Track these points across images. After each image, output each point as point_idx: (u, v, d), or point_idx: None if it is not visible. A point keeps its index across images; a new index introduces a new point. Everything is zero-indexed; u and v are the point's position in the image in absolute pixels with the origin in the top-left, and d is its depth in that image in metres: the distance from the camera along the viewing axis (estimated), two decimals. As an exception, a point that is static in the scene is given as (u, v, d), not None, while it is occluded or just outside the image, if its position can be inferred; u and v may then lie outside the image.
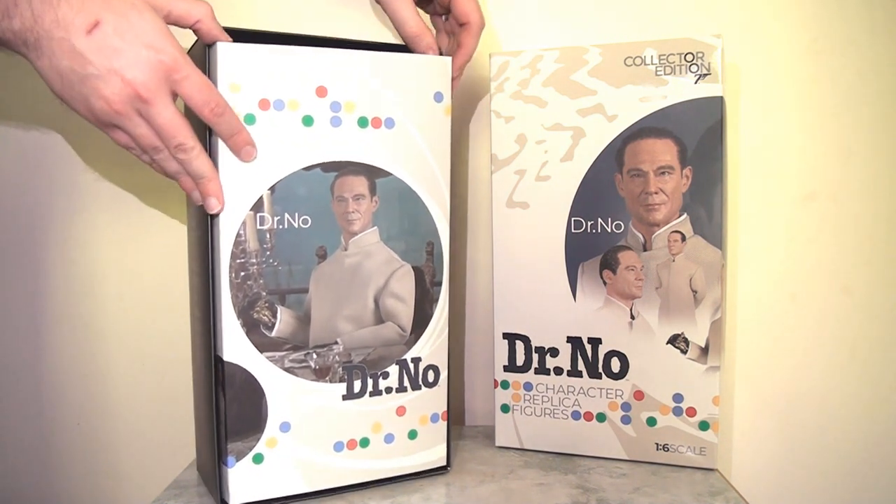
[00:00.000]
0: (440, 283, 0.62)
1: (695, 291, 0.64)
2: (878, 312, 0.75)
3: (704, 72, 0.62)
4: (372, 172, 0.58)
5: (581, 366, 0.67)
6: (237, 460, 0.56)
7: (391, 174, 0.59)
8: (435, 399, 0.63)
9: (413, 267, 0.61)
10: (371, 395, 0.60)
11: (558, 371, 0.68)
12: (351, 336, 0.59)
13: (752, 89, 0.74)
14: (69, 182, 0.76)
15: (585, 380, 0.67)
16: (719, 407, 0.64)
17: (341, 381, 0.59)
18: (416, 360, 0.62)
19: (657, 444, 0.66)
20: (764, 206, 0.75)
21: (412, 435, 0.62)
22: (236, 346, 0.55)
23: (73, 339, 0.77)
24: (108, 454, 0.79)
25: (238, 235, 0.55)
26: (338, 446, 0.59)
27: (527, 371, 0.69)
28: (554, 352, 0.68)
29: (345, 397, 0.59)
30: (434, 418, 0.63)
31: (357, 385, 0.59)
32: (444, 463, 0.64)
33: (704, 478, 0.63)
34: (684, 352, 0.64)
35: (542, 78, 0.66)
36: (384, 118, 0.58)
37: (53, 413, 0.78)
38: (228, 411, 0.55)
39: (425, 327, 0.62)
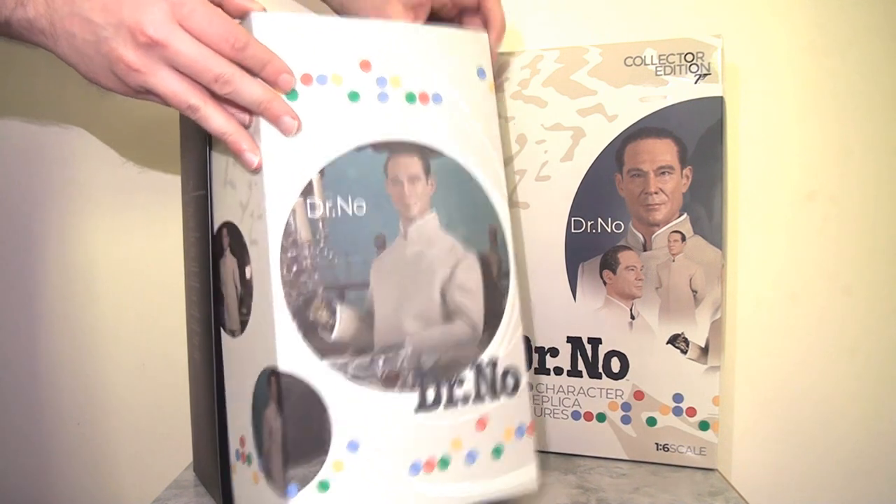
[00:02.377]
0: (507, 274, 0.56)
1: (695, 291, 0.64)
2: (878, 312, 0.75)
3: (704, 72, 0.62)
4: (424, 152, 0.53)
5: (581, 366, 0.67)
6: (300, 489, 0.48)
7: (444, 154, 0.54)
8: (518, 409, 0.55)
9: (478, 256, 0.55)
10: (447, 405, 0.52)
11: (558, 371, 0.68)
12: (420, 336, 0.52)
13: (752, 89, 0.74)
14: (66, 182, 0.76)
15: (585, 380, 0.67)
16: (719, 407, 0.64)
17: (412, 389, 0.51)
18: (493, 363, 0.54)
19: (657, 444, 0.66)
20: (764, 206, 0.75)
21: (497, 452, 0.54)
22: (293, 354, 0.48)
23: (71, 339, 0.77)
24: (107, 454, 0.79)
25: (288, 225, 0.48)
26: (414, 468, 0.51)
27: (527, 371, 0.69)
28: (554, 352, 0.68)
29: (417, 409, 0.51)
30: (520, 432, 0.55)
31: (430, 394, 0.52)
32: (534, 486, 0.55)
33: (704, 478, 0.63)
34: (684, 352, 0.64)
35: (542, 78, 0.66)
36: (431, 94, 0.54)
37: (52, 413, 0.78)
38: (287, 432, 0.48)
39: (498, 324, 0.55)
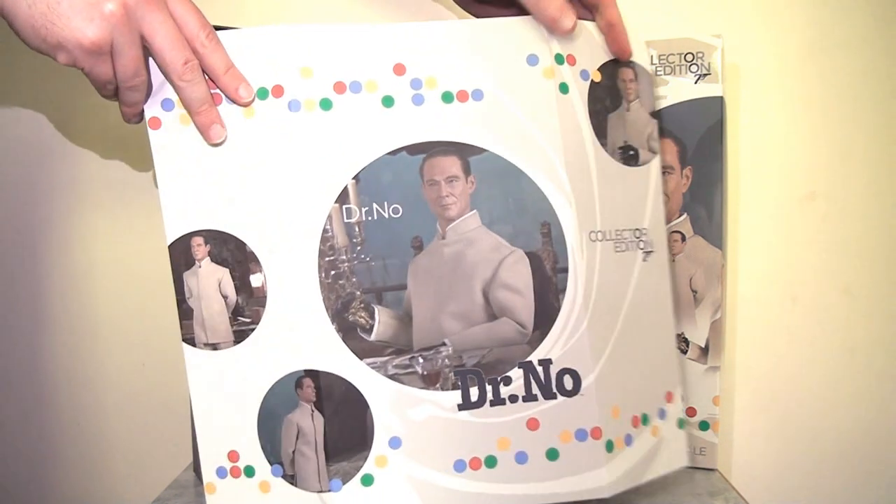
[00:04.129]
0: (566, 270, 0.53)
1: (695, 291, 0.64)
2: (878, 312, 0.75)
3: (704, 72, 0.62)
4: (464, 151, 0.52)
5: (581, 366, 0.67)
6: (343, 483, 0.50)
7: (486, 150, 0.52)
8: (579, 411, 0.52)
9: (527, 252, 0.53)
10: (492, 404, 0.52)
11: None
12: (460, 336, 0.52)
13: (752, 89, 0.74)
14: (67, 181, 0.76)
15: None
16: (719, 407, 0.64)
17: (454, 388, 0.52)
18: (546, 363, 0.52)
19: (657, 444, 0.66)
20: (764, 206, 0.75)
21: (552, 455, 0.52)
22: (333, 355, 0.50)
23: (72, 338, 0.77)
24: (107, 454, 0.79)
25: (324, 231, 0.50)
26: (459, 465, 0.51)
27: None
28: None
29: (461, 407, 0.52)
30: (580, 435, 0.52)
31: (474, 393, 0.52)
32: (605, 494, 0.52)
33: (704, 478, 0.63)
34: (684, 352, 0.64)
35: (542, 78, 0.66)
36: (470, 90, 0.52)
37: (53, 413, 0.78)
38: (329, 429, 0.50)
39: (552, 323, 0.53)
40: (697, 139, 0.63)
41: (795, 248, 0.75)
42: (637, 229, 0.55)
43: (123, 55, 0.47)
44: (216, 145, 0.50)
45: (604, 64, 0.56)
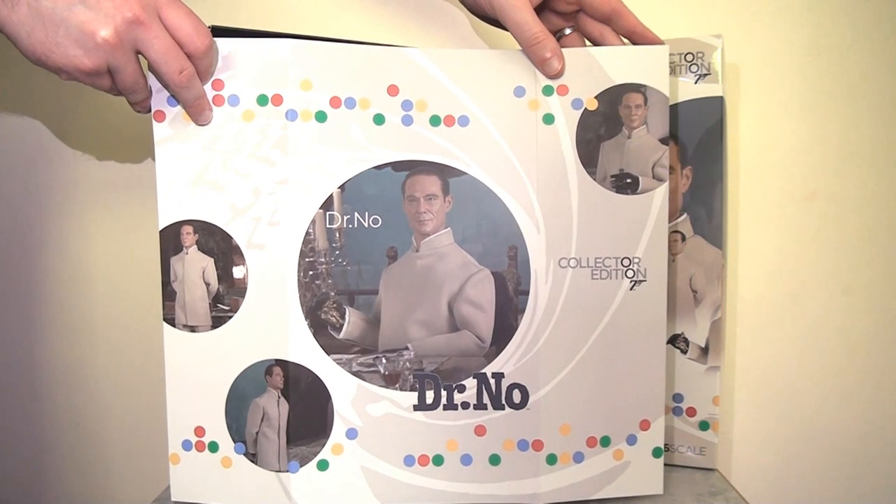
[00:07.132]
0: (527, 293, 0.57)
1: (695, 291, 0.64)
2: (878, 312, 0.75)
3: (704, 72, 0.62)
4: (444, 171, 0.56)
5: (581, 366, 0.67)
6: (301, 465, 0.55)
7: (465, 173, 0.56)
8: (524, 424, 0.57)
9: (493, 272, 0.57)
10: (445, 408, 0.56)
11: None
12: (422, 342, 0.56)
13: (752, 89, 0.74)
14: (64, 180, 0.76)
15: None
16: (719, 407, 0.64)
17: (412, 389, 0.56)
18: (498, 376, 0.56)
19: (657, 444, 0.66)
20: (764, 205, 0.75)
21: (494, 460, 0.57)
22: (303, 348, 0.55)
23: (69, 338, 0.77)
24: (106, 454, 0.79)
25: (307, 234, 0.55)
26: (408, 460, 0.56)
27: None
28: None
29: (416, 407, 0.56)
30: (522, 446, 0.57)
31: (429, 396, 0.56)
32: (539, 501, 0.57)
33: (704, 478, 0.63)
34: (684, 352, 0.64)
35: (542, 78, 0.66)
36: (457, 116, 0.56)
37: (51, 414, 0.78)
38: (292, 415, 0.55)
39: (508, 340, 0.57)
40: (697, 139, 0.63)
41: (795, 248, 0.75)
42: (626, 258, 0.56)
43: (121, 72, 0.49)
44: (203, 125, 0.54)
45: (604, 90, 0.56)
